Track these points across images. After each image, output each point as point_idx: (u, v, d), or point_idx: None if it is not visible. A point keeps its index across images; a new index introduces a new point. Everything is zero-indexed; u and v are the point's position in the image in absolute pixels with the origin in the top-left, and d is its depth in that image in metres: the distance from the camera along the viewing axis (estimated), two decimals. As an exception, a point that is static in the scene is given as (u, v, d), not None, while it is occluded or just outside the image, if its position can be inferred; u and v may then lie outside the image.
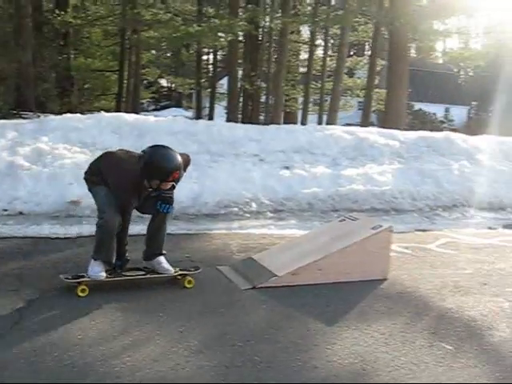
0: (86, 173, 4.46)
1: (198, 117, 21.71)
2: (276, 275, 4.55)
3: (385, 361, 3.35)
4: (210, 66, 30.68)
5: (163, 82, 42.52)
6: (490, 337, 3.87)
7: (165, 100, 46.04)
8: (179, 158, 4.16)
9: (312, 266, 4.61)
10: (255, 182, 7.63)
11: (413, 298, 4.55)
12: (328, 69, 21.98)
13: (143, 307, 4.01)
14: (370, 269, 4.83)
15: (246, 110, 20.57)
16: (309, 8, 22.43)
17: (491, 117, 48.17)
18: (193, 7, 22.35)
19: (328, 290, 4.52)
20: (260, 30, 19.49)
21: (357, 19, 20.49)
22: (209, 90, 23.94)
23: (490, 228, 7.72)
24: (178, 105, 44.21)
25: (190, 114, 32.50)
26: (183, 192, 6.44)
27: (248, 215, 7.04)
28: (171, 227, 5.24)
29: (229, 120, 16.76)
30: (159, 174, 4.11)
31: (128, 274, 4.37)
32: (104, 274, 4.20)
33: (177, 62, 31.67)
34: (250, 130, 9.08)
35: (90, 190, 4.43)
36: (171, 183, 4.17)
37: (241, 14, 17.75)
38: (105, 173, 4.31)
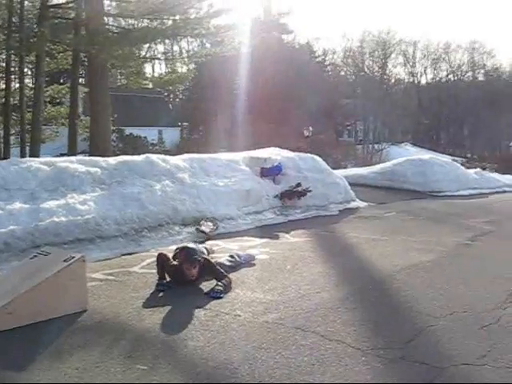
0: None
1: None
2: (-39, 328, 4.14)
3: (76, 397, 3.27)
4: None
5: None
6: (184, 348, 4.03)
7: None
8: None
9: (0, 311, 4.29)
10: None
11: (112, 324, 4.52)
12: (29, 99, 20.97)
13: None
14: (66, 303, 4.67)
15: None
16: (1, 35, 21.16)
17: (202, 136, 51.20)
18: None
19: (21, 334, 4.24)
20: None
21: (54, 46, 20.02)
22: None
23: (195, 241, 8.13)
24: None
25: None
26: None
27: None
28: None
29: None
30: None
31: None
32: None
33: None
34: None
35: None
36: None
37: None
38: None
